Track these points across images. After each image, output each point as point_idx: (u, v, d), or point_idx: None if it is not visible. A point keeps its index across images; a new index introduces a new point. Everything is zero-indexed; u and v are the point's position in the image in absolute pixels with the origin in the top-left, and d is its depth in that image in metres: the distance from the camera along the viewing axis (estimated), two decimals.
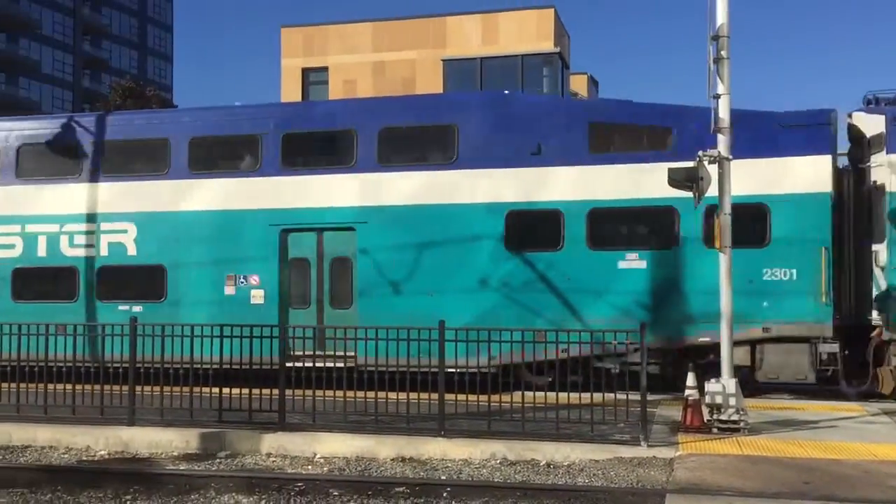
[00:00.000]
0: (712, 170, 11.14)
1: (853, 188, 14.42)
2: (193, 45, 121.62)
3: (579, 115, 15.22)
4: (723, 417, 10.71)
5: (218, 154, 16.45)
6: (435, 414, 10.54)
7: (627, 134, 14.78)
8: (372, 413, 10.86)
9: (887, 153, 13.82)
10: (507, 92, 17.28)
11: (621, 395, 10.31)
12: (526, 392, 10.79)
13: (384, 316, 13.26)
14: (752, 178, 13.41)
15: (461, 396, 10.96)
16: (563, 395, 10.62)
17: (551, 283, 14.40)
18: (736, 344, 11.69)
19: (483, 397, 10.70)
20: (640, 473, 9.12)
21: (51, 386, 11.60)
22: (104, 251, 16.15)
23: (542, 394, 10.83)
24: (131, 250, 16.04)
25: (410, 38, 33.21)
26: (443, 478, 9.27)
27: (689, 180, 11.12)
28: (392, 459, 10.11)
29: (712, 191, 11.11)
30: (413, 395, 10.74)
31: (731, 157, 11.15)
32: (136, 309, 15.37)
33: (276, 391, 10.95)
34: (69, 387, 11.58)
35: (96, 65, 75.76)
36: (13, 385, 11.64)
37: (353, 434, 10.61)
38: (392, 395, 10.83)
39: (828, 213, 13.70)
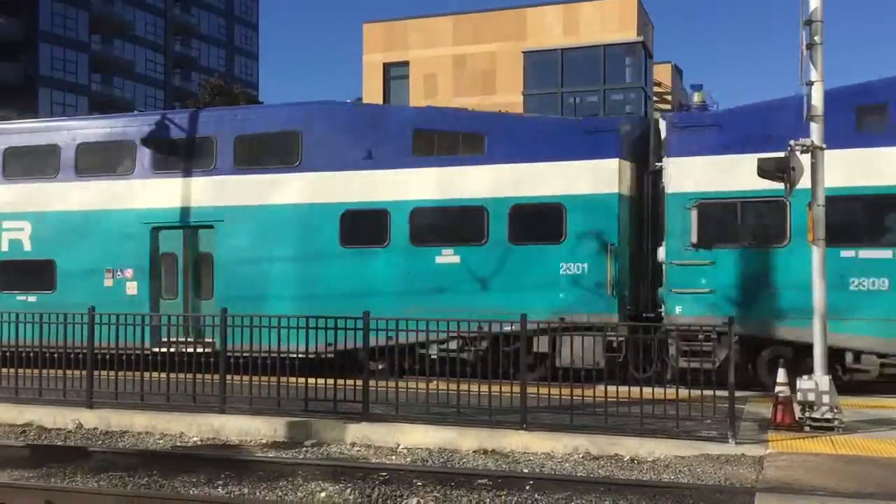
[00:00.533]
0: (805, 159, 10.79)
1: (652, 191, 15.64)
2: (278, 43, 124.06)
3: (406, 123, 16.45)
4: (815, 415, 10.37)
5: (99, 159, 17.93)
6: (517, 407, 10.55)
7: (446, 140, 16.13)
8: (454, 405, 10.93)
9: (667, 156, 14.73)
10: (348, 101, 18.67)
11: (707, 392, 10.10)
12: (609, 386, 10.67)
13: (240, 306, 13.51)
14: (554, 179, 15.05)
15: (542, 390, 10.91)
16: (647, 390, 10.47)
17: (379, 276, 15.77)
18: (541, 333, 13.17)
19: (566, 391, 10.63)
20: (727, 471, 8.92)
21: (146, 374, 12.08)
22: (4, 247, 18.06)
23: (626, 388, 10.68)
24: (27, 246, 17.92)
25: (491, 31, 33.14)
26: (525, 471, 9.27)
27: (780, 170, 10.79)
28: (474, 451, 10.16)
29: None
30: (495, 388, 10.77)
31: (824, 146, 10.76)
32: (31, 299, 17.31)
33: (359, 382, 11.14)
34: (164, 375, 12.03)
35: (186, 64, 78.20)
36: (111, 373, 12.15)
37: (435, 426, 10.71)
38: (474, 387, 10.87)
39: (614, 213, 14.86)
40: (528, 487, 8.42)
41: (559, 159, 15.22)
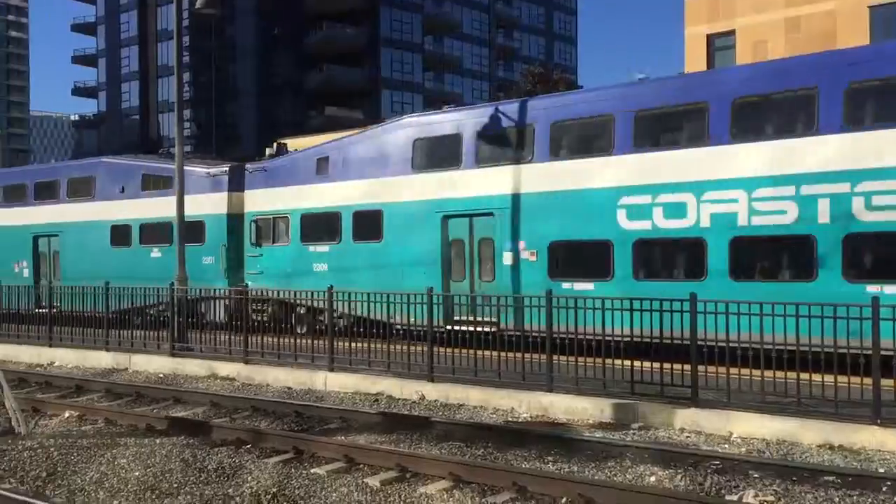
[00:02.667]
0: None
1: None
2: (596, 26, 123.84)
3: (135, 170, 24.54)
4: None
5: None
6: (868, 400, 9.51)
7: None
8: (793, 395, 10.13)
9: (246, 189, 22.37)
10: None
11: None
12: None
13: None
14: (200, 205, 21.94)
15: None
16: None
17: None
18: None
19: None
20: None
21: (479, 352, 12.78)
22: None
23: None
24: None
25: None
26: (881, 470, 8.34)
27: None
28: (818, 446, 9.34)
29: None
30: (842, 379, 9.81)
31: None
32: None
33: (687, 366, 10.77)
34: (495, 353, 12.63)
35: (508, 55, 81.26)
36: (449, 350, 13.04)
37: (771, 415, 10.01)
38: (816, 377, 9.98)
39: (224, 225, 22.08)
40: (884, 489, 7.57)
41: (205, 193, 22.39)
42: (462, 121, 18.04)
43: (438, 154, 18.26)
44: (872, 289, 12.32)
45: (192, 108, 65.05)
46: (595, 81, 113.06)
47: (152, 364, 16.50)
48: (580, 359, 11.79)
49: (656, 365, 11.08)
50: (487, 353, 12.80)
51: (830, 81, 13.49)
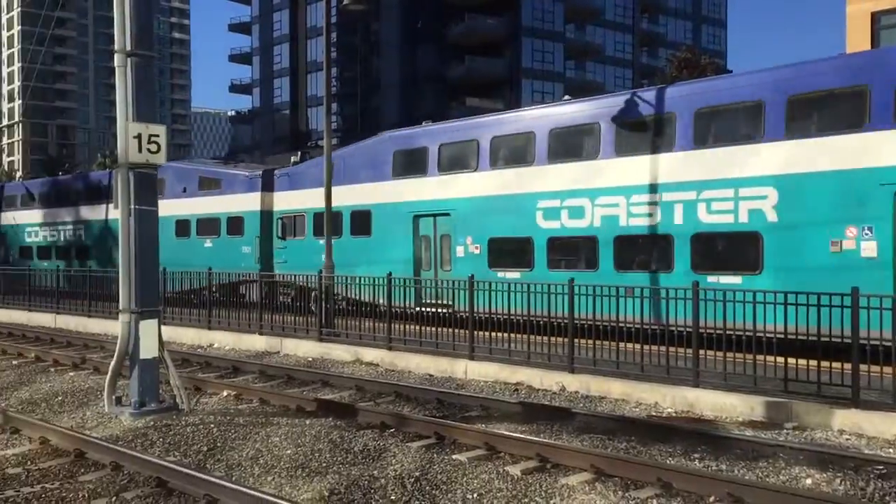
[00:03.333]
0: None
1: None
2: (747, 6, 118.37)
3: (193, 174, 28.52)
4: None
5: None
6: None
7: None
8: None
9: (275, 191, 25.91)
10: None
11: None
12: None
13: None
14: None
15: None
16: None
17: None
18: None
19: None
20: None
21: (621, 345, 12.55)
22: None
23: None
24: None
25: None
26: None
27: None
28: None
29: None
30: None
31: None
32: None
33: (847, 365, 10.14)
34: (637, 346, 12.36)
35: (653, 41, 79.05)
36: (590, 341, 12.88)
37: None
38: None
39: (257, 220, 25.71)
40: None
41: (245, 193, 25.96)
42: (429, 135, 21.21)
43: (411, 163, 21.25)
44: (712, 279, 14.74)
45: (338, 102, 67.19)
46: (746, 65, 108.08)
47: (301, 348, 17.21)
48: (728, 354, 11.35)
49: (812, 362, 10.51)
50: (630, 345, 12.54)
51: (686, 108, 15.95)
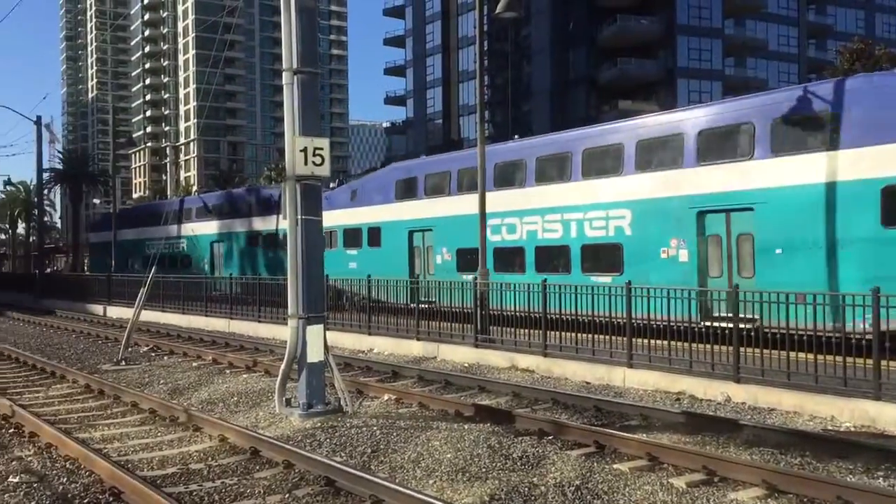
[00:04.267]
0: None
1: None
2: None
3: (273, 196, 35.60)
4: None
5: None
6: None
7: None
8: None
9: (328, 209, 22.52)
10: None
11: None
12: None
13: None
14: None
15: None
16: None
17: None
18: None
19: None
20: None
21: (791, 353, 11.88)
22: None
23: None
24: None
25: None
26: None
27: None
28: None
29: None
30: None
31: None
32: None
33: None
34: (811, 356, 11.67)
35: (821, 32, 74.66)
36: (756, 350, 12.28)
37: None
38: None
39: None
40: None
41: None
42: (420, 167, 26.78)
43: (407, 189, 26.25)
44: (595, 278, 18.62)
45: (489, 110, 67.67)
46: None
47: (457, 354, 17.44)
48: None
49: None
50: (801, 355, 11.85)
51: (578, 149, 20.67)
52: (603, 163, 20.01)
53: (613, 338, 14.60)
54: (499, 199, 21.85)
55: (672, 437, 9.88)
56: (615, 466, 8.59)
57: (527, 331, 16.47)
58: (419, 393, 13.00)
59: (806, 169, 15.74)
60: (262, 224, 35.62)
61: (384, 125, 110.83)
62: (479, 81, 20.95)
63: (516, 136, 26.37)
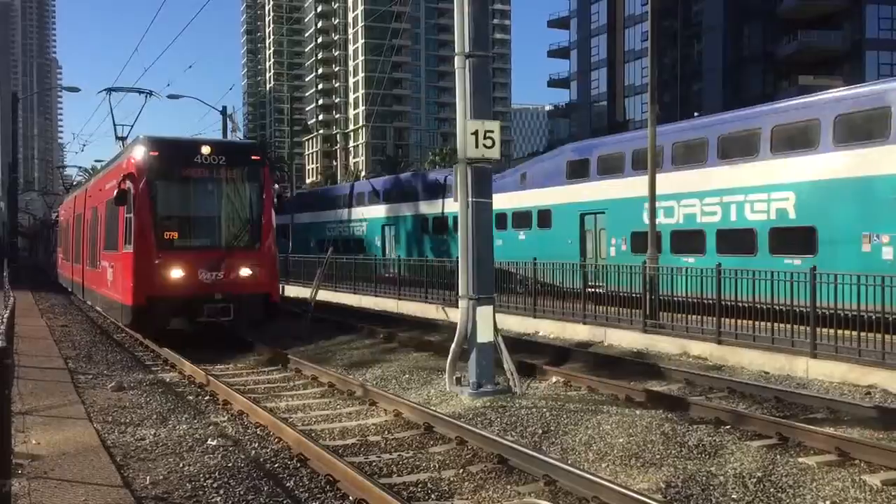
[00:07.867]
0: None
1: None
2: None
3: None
4: None
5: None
6: None
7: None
8: None
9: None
10: None
11: None
12: None
13: None
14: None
15: None
16: None
17: None
18: None
19: None
20: None
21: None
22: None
23: None
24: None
25: None
26: None
27: None
28: None
29: None
30: None
31: None
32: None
33: None
34: None
35: None
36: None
37: None
38: None
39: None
40: None
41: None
42: (592, 148, 26.25)
43: (579, 170, 25.70)
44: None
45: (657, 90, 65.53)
46: None
47: (625, 339, 17.14)
48: None
49: None
50: None
51: (768, 126, 19.26)
52: (795, 139, 18.52)
53: (795, 326, 13.85)
54: (676, 180, 21.05)
55: (863, 432, 9.28)
56: (800, 460, 8.17)
57: (698, 317, 15.93)
58: (588, 376, 12.88)
59: None
60: (428, 208, 36.26)
61: (547, 108, 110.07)
62: (651, 59, 20.37)
63: (696, 114, 25.41)
